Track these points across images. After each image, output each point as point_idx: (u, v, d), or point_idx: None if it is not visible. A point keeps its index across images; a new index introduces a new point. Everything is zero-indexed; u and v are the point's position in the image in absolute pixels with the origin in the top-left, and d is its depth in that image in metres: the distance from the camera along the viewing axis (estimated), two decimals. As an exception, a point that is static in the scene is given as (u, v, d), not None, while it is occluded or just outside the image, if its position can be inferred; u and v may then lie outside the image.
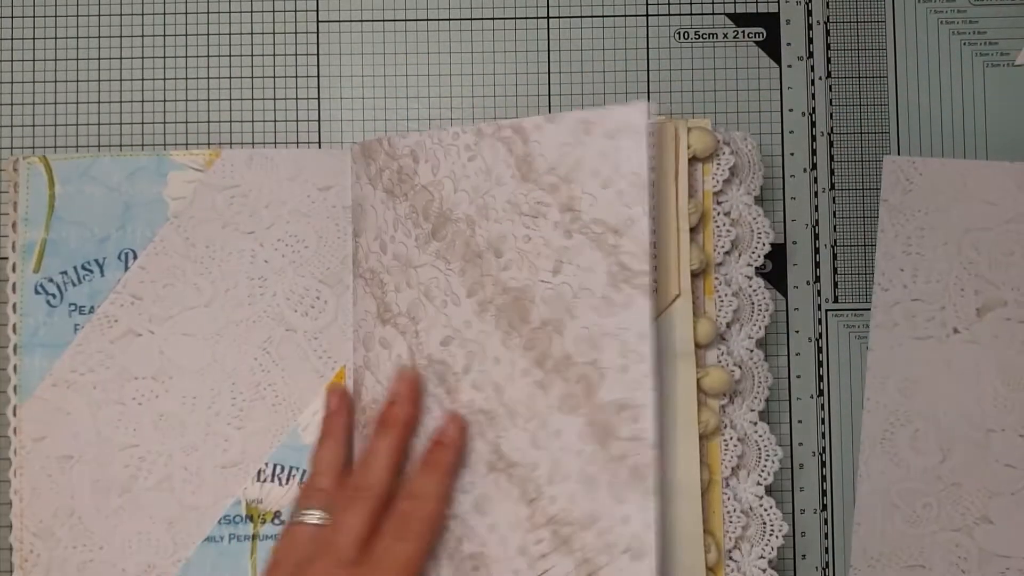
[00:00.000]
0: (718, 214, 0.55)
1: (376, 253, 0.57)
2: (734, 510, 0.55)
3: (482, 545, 0.53)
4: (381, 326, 0.56)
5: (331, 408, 0.57)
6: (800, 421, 0.59)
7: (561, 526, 0.52)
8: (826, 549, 0.58)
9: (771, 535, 0.55)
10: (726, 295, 0.55)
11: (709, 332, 0.54)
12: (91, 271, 0.58)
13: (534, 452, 0.52)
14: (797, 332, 0.59)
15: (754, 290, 0.56)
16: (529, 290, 0.53)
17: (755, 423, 0.56)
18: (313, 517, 0.52)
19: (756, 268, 0.56)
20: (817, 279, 0.60)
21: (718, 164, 0.55)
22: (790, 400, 0.59)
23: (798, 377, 0.59)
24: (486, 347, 0.54)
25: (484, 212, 0.54)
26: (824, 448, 0.59)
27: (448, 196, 0.55)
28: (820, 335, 0.60)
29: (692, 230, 0.55)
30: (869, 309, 0.59)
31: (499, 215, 0.54)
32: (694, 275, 0.54)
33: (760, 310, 0.56)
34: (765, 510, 0.55)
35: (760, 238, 0.56)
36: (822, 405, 0.59)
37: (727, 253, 0.56)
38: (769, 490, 0.56)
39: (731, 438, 0.55)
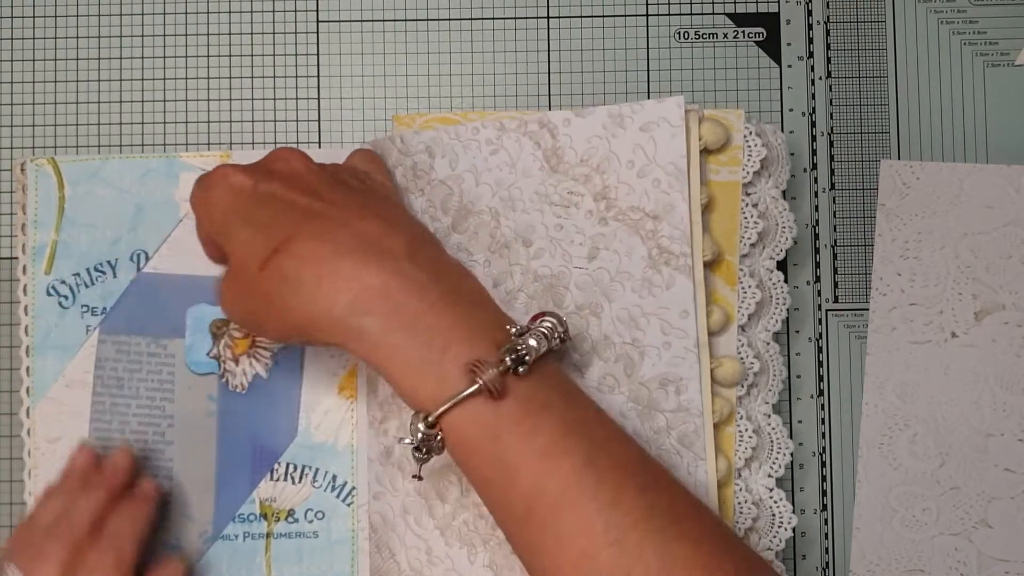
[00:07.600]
0: (746, 205, 0.56)
1: None
2: (745, 501, 0.56)
3: None
4: (400, 319, 0.57)
5: (73, 465, 0.56)
6: (800, 421, 0.60)
7: None
8: (826, 549, 0.59)
9: (779, 527, 0.56)
10: (750, 287, 0.56)
11: (721, 320, 0.55)
12: (103, 272, 0.59)
13: None
14: (797, 332, 0.60)
15: (774, 283, 0.57)
16: (563, 276, 0.55)
17: (769, 415, 0.56)
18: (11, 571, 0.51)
19: (777, 262, 0.57)
20: (817, 279, 0.60)
21: (749, 156, 0.56)
22: (790, 400, 0.60)
23: (798, 377, 0.60)
24: None
25: (510, 204, 0.55)
26: (824, 448, 0.60)
27: (469, 189, 0.56)
28: (820, 335, 0.60)
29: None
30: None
31: (526, 206, 0.55)
32: (706, 265, 0.55)
33: (778, 303, 0.57)
34: (775, 502, 0.56)
35: (784, 232, 0.56)
36: (822, 405, 0.60)
37: (753, 245, 0.56)
38: (778, 483, 0.57)
39: (746, 430, 0.56)
